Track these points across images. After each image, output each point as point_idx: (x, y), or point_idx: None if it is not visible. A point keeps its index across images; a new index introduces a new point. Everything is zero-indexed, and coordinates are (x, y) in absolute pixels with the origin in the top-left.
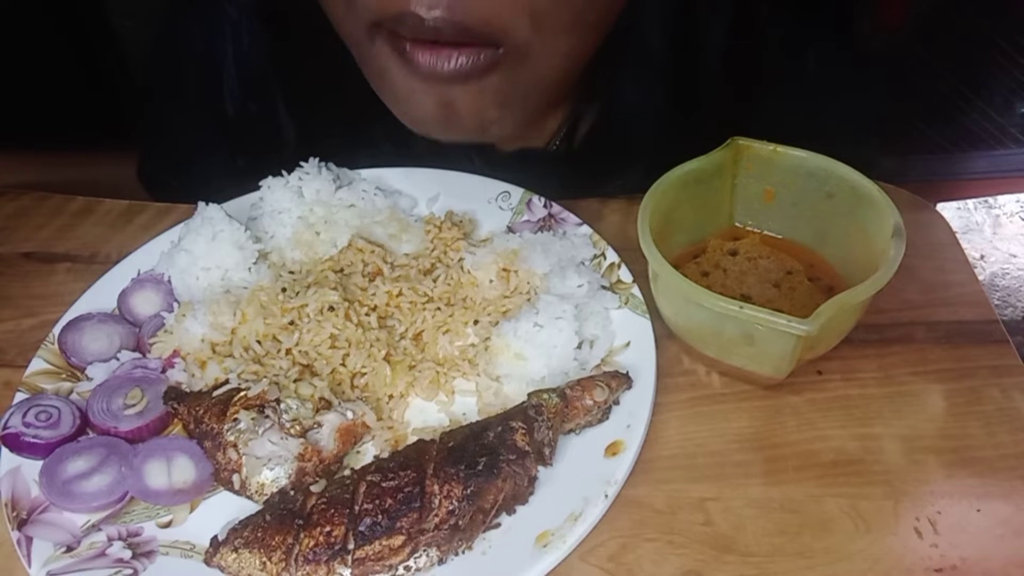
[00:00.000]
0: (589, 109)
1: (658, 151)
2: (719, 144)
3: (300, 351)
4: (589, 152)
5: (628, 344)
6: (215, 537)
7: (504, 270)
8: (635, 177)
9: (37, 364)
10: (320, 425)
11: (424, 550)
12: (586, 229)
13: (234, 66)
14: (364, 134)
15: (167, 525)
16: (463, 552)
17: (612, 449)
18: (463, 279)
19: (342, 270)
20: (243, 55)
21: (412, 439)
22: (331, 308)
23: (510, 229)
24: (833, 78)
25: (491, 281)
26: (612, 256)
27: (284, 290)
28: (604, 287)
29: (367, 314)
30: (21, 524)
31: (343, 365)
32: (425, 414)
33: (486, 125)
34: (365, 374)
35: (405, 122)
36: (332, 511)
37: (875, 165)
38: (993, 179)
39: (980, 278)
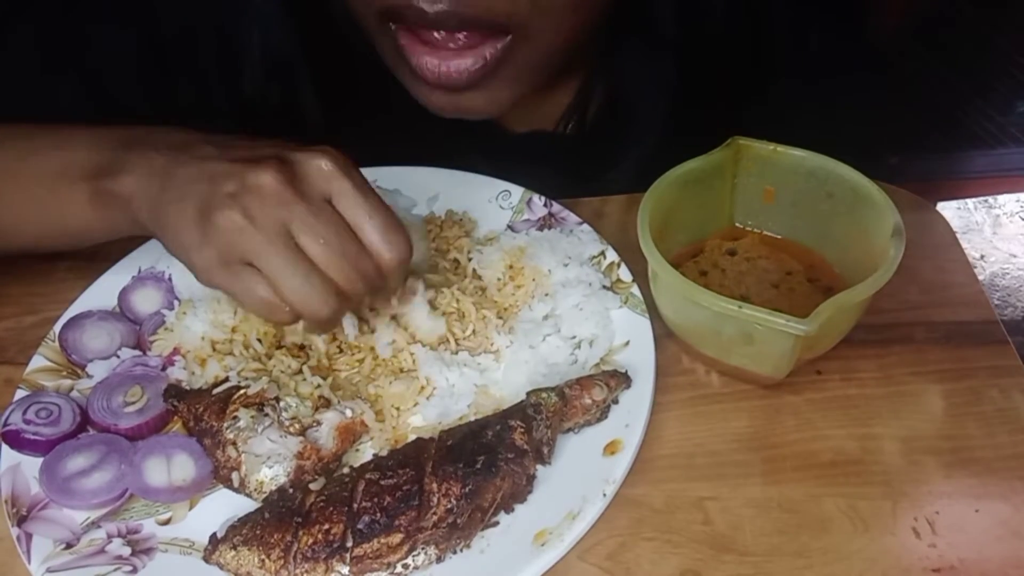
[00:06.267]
0: (597, 89)
1: (665, 134)
2: (724, 136)
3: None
4: (599, 132)
5: (627, 343)
6: (214, 534)
7: (510, 267)
8: (645, 154)
9: (38, 361)
10: (319, 423)
11: (422, 548)
12: (586, 228)
13: (255, 56)
14: (370, 127)
15: (166, 522)
16: (461, 550)
17: (611, 448)
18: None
19: None
20: (265, 43)
21: (411, 437)
22: None
23: (511, 228)
24: (838, 77)
25: (498, 279)
26: (612, 255)
27: None
28: (604, 286)
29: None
30: (21, 521)
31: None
32: None
33: (497, 109)
34: None
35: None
36: (331, 509)
37: (880, 165)
38: (993, 178)
39: (980, 278)
